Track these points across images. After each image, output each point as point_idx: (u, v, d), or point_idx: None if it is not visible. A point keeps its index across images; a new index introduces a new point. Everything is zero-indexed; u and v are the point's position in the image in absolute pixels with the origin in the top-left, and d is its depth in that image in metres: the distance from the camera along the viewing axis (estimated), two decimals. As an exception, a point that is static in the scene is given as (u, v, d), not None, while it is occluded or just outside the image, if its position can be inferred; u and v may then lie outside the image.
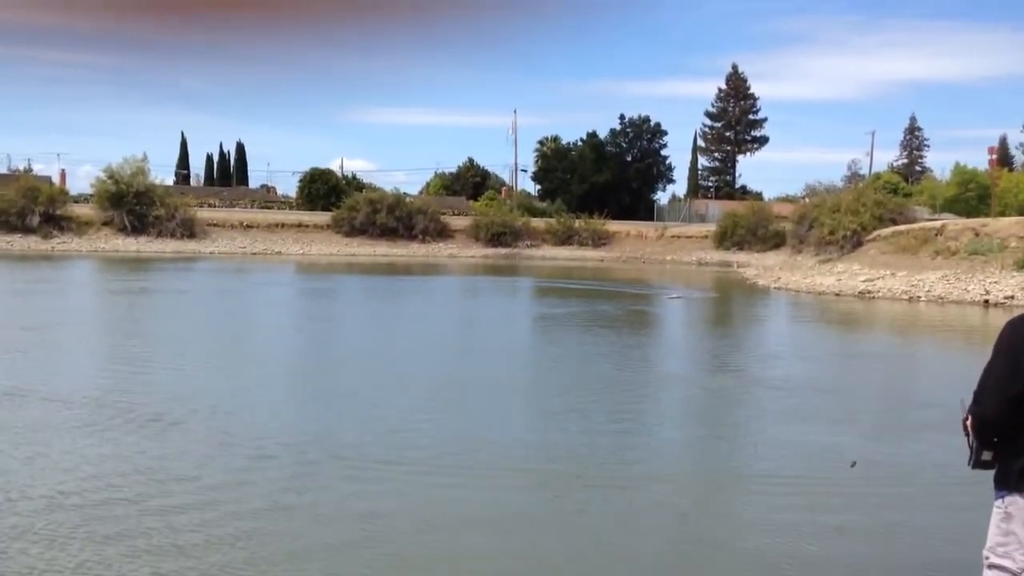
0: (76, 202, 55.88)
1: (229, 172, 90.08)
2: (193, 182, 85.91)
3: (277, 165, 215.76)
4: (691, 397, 12.24)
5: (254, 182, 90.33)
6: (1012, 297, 26.79)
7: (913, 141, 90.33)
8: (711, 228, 59.78)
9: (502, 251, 57.79)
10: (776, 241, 52.90)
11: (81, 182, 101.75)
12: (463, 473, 7.66)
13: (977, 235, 32.84)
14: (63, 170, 73.12)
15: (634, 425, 9.98)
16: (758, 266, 45.88)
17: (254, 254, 51.16)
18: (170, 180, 76.36)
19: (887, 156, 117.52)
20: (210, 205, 64.49)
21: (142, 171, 54.34)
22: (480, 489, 7.26)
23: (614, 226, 63.06)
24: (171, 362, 13.50)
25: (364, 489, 7.16)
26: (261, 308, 24.07)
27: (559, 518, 6.61)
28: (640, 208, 74.57)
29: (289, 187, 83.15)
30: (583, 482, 7.49)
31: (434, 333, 18.77)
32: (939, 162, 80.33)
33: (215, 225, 55.78)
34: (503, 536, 6.27)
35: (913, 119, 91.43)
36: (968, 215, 50.46)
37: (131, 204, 52.12)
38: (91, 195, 56.04)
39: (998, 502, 3.35)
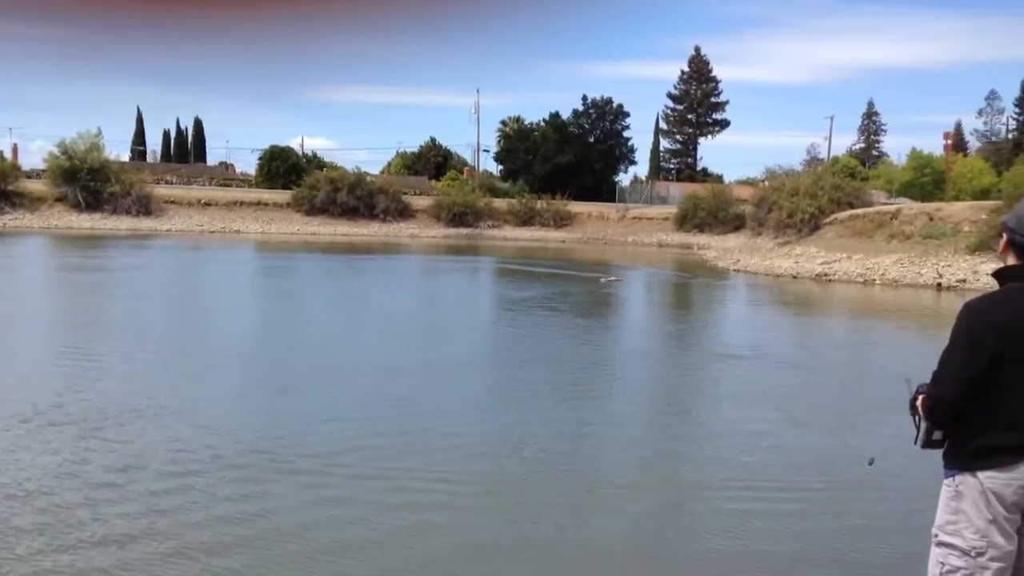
0: (28, 177, 54.79)
1: (187, 149, 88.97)
2: (150, 158, 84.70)
3: (236, 142, 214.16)
4: (643, 385, 11.95)
5: (212, 159, 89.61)
6: (964, 280, 27.27)
7: (871, 126, 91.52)
8: (672, 210, 60.06)
9: (463, 231, 57.61)
10: (736, 223, 53.30)
11: (34, 157, 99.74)
12: (417, 477, 7.07)
13: (931, 219, 33.35)
14: (15, 144, 71.52)
15: (589, 419, 9.46)
16: (718, 248, 46.25)
17: (212, 232, 50.51)
18: (126, 156, 75.45)
19: (846, 140, 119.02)
20: (167, 182, 63.61)
21: (97, 146, 53.32)
22: (439, 495, 6.73)
23: (576, 207, 63.13)
24: (112, 350, 12.55)
25: (313, 496, 6.55)
26: (214, 288, 23.69)
27: (509, 527, 6.19)
28: (602, 189, 74.74)
29: (248, 165, 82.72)
30: (532, 488, 7.00)
31: (387, 316, 18.46)
32: (896, 147, 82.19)
33: (172, 202, 54.92)
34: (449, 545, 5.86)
35: (871, 104, 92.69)
36: (923, 199, 51.29)
37: (85, 180, 51.09)
38: (44, 170, 54.96)
39: (948, 481, 3.39)
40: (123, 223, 49.87)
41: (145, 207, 52.69)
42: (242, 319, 17.50)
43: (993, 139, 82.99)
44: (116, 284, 22.70)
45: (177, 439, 7.88)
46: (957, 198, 48.53)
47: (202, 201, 56.25)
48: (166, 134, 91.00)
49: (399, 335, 15.52)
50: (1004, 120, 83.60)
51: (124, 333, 14.22)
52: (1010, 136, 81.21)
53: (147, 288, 22.06)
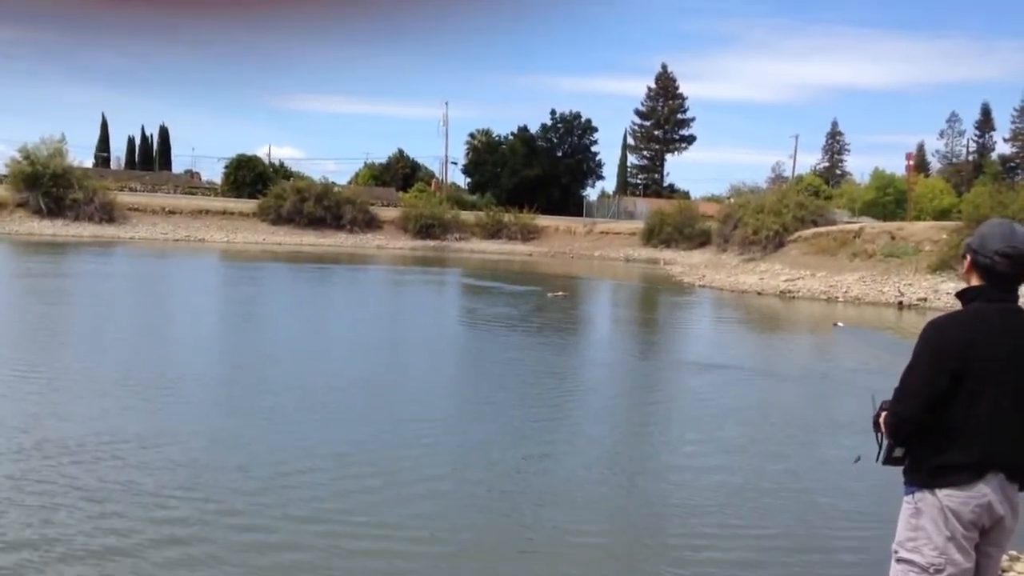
0: (-11, 182, 53.88)
1: (152, 156, 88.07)
2: (114, 165, 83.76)
3: (202, 150, 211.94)
4: (595, 409, 11.22)
5: (178, 167, 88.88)
6: (925, 299, 27.66)
7: (834, 145, 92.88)
8: (639, 225, 60.43)
9: (431, 243, 57.52)
10: (702, 239, 53.72)
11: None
12: (360, 524, 6.37)
13: (893, 238, 33.85)
14: (-25, 149, 70.18)
15: (540, 451, 8.64)
16: (684, 264, 46.56)
17: (176, 241, 50.00)
18: (89, 162, 74.52)
19: (810, 159, 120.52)
20: (131, 189, 62.92)
21: (60, 152, 52.59)
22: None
23: (543, 221, 63.34)
24: (35, 365, 11.62)
25: (251, 542, 5.89)
26: (168, 299, 23.25)
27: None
28: (569, 204, 75.06)
29: (214, 173, 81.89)
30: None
31: (338, 332, 17.96)
32: (859, 166, 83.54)
33: (136, 210, 54.30)
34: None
35: (835, 123, 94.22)
36: (885, 219, 52.07)
37: (47, 186, 50.33)
38: (5, 176, 54.08)
39: (908, 498, 3.42)
40: (86, 230, 49.20)
41: (108, 214, 52.04)
42: (187, 333, 16.57)
43: (954, 160, 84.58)
44: (67, 293, 22.12)
45: (94, 472, 7.09)
46: (918, 218, 49.33)
47: (166, 209, 55.66)
48: (131, 141, 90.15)
49: (347, 352, 14.99)
50: (965, 142, 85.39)
51: (49, 347, 13.51)
52: (970, 158, 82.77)
53: (95, 299, 21.31)
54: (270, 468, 7.53)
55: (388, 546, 6.04)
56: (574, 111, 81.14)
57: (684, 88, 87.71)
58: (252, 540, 5.98)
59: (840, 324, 22.29)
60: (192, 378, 11.59)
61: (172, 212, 55.28)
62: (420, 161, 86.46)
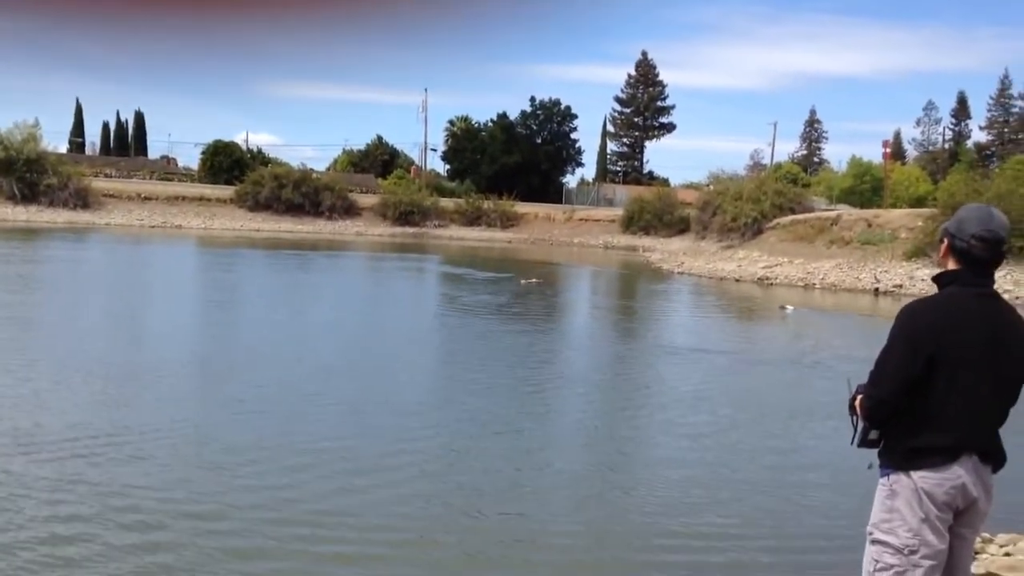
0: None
1: (127, 142, 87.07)
2: (88, 151, 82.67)
3: (179, 136, 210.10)
4: (570, 401, 11.07)
5: (154, 152, 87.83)
6: (901, 286, 27.90)
7: (812, 133, 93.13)
8: (618, 212, 60.48)
9: (410, 230, 57.31)
10: (681, 227, 53.84)
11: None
12: (338, 523, 6.18)
13: (870, 226, 34.10)
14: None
15: (516, 448, 8.44)
16: (663, 251, 46.69)
17: (152, 227, 49.57)
18: (63, 148, 73.58)
19: (788, 147, 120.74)
20: (106, 175, 62.23)
21: (34, 137, 52.12)
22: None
23: (523, 208, 63.23)
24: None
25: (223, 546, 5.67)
26: (142, 287, 23.02)
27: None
28: (549, 191, 74.95)
29: (191, 159, 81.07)
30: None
31: (310, 321, 17.74)
32: (836, 154, 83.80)
33: (111, 196, 53.78)
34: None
35: (813, 111, 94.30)
36: (862, 206, 52.35)
37: (21, 171, 49.93)
38: (-22, 161, 53.38)
39: (883, 480, 3.44)
40: (60, 216, 48.73)
41: (83, 200, 51.55)
42: (160, 322, 16.28)
43: (930, 148, 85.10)
44: (38, 280, 21.93)
45: (55, 468, 6.83)
46: (895, 205, 49.64)
47: (142, 195, 55.16)
48: (105, 126, 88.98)
49: (321, 342, 14.71)
50: (941, 130, 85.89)
51: (16, 337, 13.15)
52: (946, 146, 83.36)
53: (67, 286, 21.03)
54: (239, 463, 7.33)
55: (363, 548, 5.91)
56: (554, 98, 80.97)
57: (664, 75, 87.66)
58: (222, 539, 5.82)
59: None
60: (163, 369, 11.32)
61: (148, 198, 54.79)
62: (399, 148, 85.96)
